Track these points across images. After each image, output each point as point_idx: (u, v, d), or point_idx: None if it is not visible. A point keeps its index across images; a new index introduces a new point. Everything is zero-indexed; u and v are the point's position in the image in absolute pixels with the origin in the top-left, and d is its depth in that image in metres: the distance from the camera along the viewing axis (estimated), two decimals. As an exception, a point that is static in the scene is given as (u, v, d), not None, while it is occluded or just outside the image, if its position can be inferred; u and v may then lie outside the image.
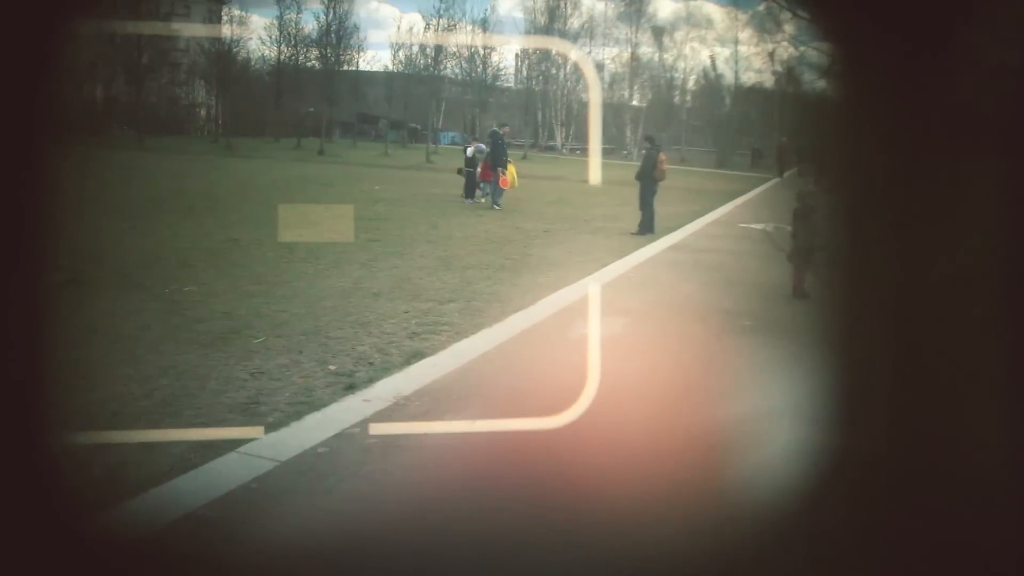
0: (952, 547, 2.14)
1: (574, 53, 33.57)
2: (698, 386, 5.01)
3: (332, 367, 5.80)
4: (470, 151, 17.06)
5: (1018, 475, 2.11)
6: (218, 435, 4.44)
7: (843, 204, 2.42)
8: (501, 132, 17.08)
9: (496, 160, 16.10)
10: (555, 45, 33.40)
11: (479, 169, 16.82)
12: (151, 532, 3.32)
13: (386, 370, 5.79)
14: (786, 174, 28.76)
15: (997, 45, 2.10)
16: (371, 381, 5.54)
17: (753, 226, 14.43)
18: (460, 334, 6.77)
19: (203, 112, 31.42)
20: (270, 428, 4.61)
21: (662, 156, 14.03)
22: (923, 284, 2.19)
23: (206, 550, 3.21)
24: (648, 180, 13.74)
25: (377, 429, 4.63)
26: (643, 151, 15.08)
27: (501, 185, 16.12)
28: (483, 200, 16.65)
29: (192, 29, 29.50)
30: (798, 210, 9.07)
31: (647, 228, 13.52)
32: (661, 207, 13.90)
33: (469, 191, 16.97)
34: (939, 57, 2.13)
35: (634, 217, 13.88)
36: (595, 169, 14.19)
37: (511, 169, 16.43)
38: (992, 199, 2.13)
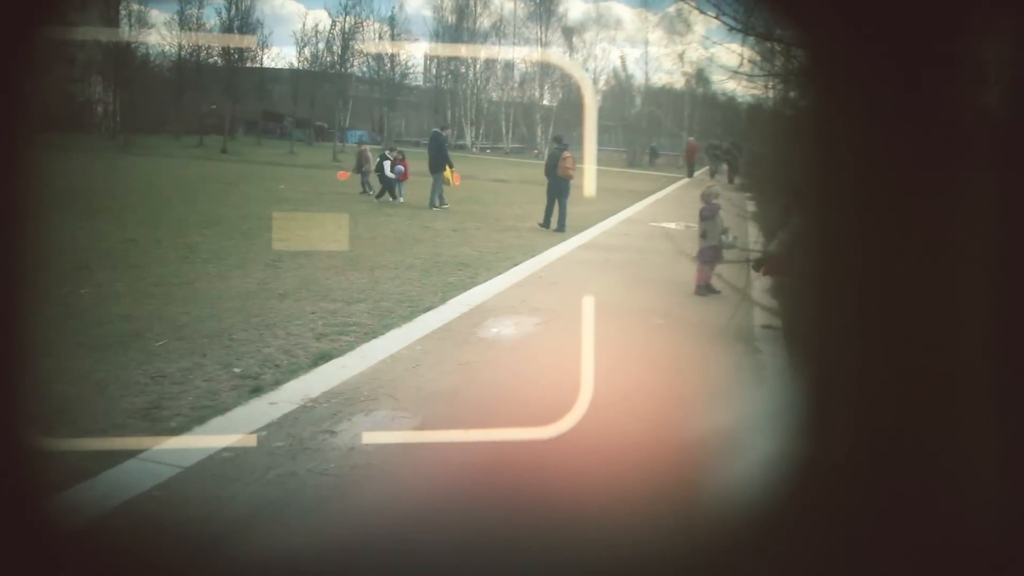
0: (918, 551, 2.17)
1: (565, 61, 33.69)
2: (619, 385, 5.02)
3: (237, 370, 5.66)
4: (388, 170, 16.94)
5: (973, 476, 2.16)
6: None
7: (767, 205, 2.45)
8: (443, 133, 17.14)
9: (442, 160, 15.96)
10: (473, 50, 33.44)
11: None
12: (45, 542, 3.17)
13: (293, 372, 5.68)
14: (696, 173, 29.29)
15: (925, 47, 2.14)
16: (278, 384, 5.43)
17: (664, 225, 14.64)
18: (369, 335, 6.68)
19: (100, 108, 30.44)
20: (172, 433, 4.47)
21: (566, 154, 14.23)
22: (848, 278, 2.22)
23: (105, 560, 3.07)
24: (553, 176, 14.02)
25: (370, 438, 4.55)
26: (551, 150, 15.34)
27: (454, 182, 16.16)
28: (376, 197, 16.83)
29: (88, 23, 28.58)
30: (704, 210, 9.22)
31: (551, 225, 13.86)
32: (572, 207, 14.01)
33: (388, 191, 16.98)
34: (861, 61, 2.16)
35: (542, 217, 14.06)
36: (591, 178, 14.11)
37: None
38: (919, 197, 2.17)
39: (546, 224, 13.84)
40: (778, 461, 2.38)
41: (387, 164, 16.92)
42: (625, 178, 26.67)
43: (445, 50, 33.62)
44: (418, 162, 16.76)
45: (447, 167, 15.90)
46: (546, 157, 15.54)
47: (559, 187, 13.98)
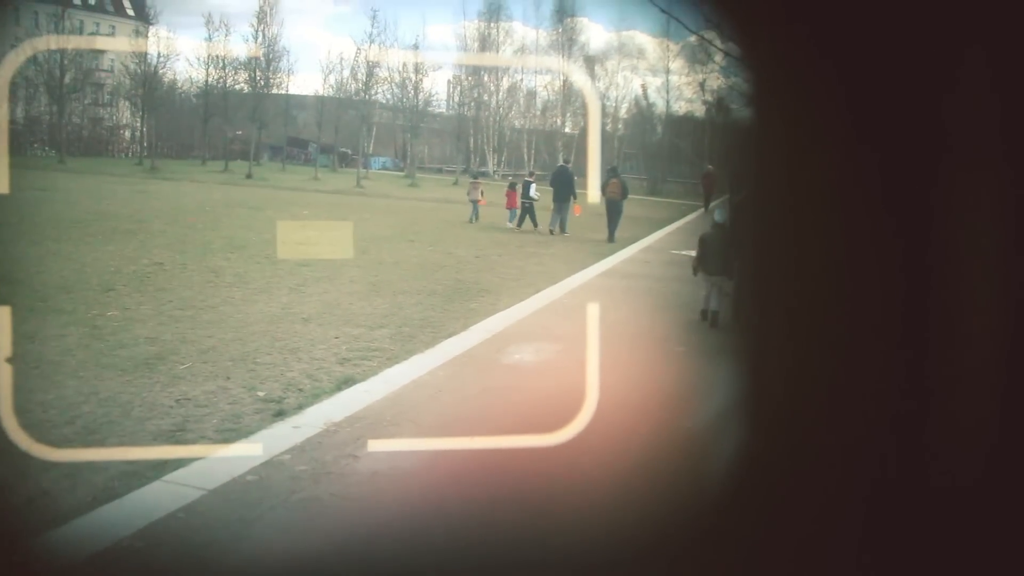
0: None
1: (586, 88, 33.97)
2: (640, 410, 5.04)
3: (261, 393, 5.71)
4: (533, 192, 18.35)
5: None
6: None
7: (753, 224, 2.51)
8: (568, 167, 18.77)
9: (568, 190, 17.54)
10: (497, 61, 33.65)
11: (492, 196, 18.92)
12: (74, 563, 3.22)
13: (316, 396, 5.72)
14: (712, 204, 29.12)
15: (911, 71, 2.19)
16: (301, 408, 5.47)
17: (682, 253, 14.64)
18: (391, 360, 6.71)
19: (127, 133, 30.82)
20: (197, 456, 4.51)
21: (613, 180, 17.10)
22: (822, 296, 2.28)
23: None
24: (606, 198, 16.79)
25: (376, 446, 4.60)
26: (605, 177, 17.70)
27: (575, 212, 17.66)
28: (509, 224, 18.23)
29: (117, 48, 28.99)
30: (709, 235, 9.28)
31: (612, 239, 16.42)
32: (593, 233, 14.23)
33: (527, 219, 18.14)
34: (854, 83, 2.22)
35: (563, 245, 14.74)
36: (594, 187, 14.64)
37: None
38: (908, 219, 2.22)
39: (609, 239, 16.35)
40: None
41: (532, 187, 18.25)
42: (645, 206, 26.68)
43: (468, 78, 33.86)
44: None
45: (572, 198, 17.53)
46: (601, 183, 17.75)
47: (611, 207, 16.70)
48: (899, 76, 2.19)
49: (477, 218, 19.02)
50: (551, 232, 17.28)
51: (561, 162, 20.43)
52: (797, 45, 2.28)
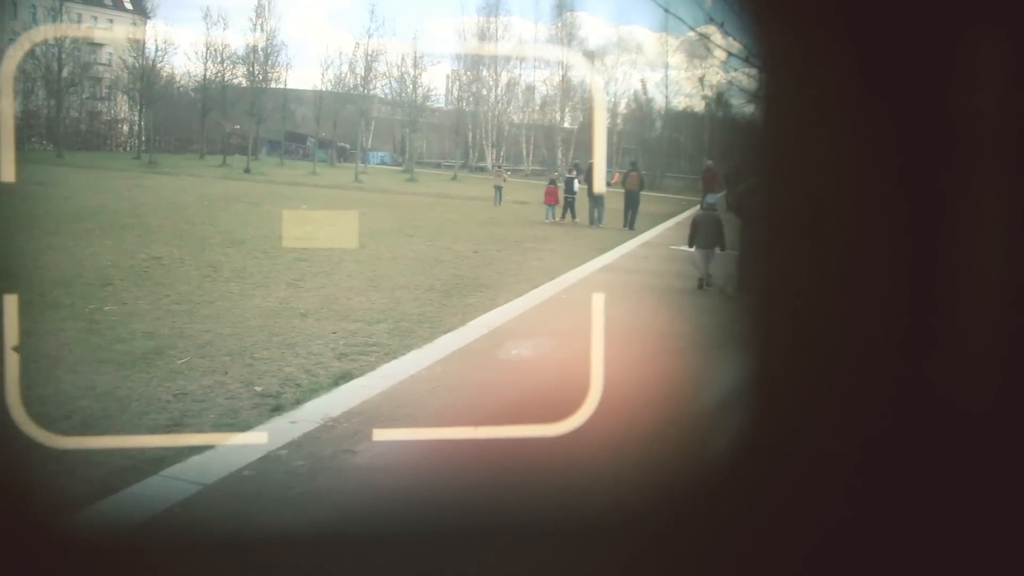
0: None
1: (585, 67, 34.08)
2: (638, 403, 5.03)
3: (258, 388, 5.70)
4: (575, 185, 19.60)
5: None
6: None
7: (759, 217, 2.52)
8: None
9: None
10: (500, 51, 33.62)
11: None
12: (70, 557, 3.21)
13: (314, 391, 5.71)
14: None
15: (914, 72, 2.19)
16: (298, 402, 5.46)
17: (681, 248, 14.63)
18: (389, 355, 6.71)
19: (125, 127, 30.74)
20: (196, 450, 4.50)
21: (632, 173, 19.09)
22: (826, 292, 2.29)
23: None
24: (625, 189, 18.92)
25: (380, 435, 4.60)
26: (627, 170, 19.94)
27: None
28: (546, 220, 19.26)
29: (115, 42, 28.93)
30: (701, 216, 10.87)
31: (631, 227, 18.29)
32: (594, 231, 14.47)
33: (568, 212, 19.49)
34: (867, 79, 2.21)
35: (562, 239, 15.19)
36: (600, 180, 14.75)
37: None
38: (908, 214, 2.22)
39: (626, 225, 18.14)
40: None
41: (574, 183, 19.55)
42: (644, 201, 26.61)
43: (466, 72, 33.82)
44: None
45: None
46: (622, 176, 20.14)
47: (630, 197, 18.64)
48: (907, 66, 2.18)
49: (501, 201, 21.02)
50: (590, 224, 18.37)
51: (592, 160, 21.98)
52: (804, 36, 2.27)
